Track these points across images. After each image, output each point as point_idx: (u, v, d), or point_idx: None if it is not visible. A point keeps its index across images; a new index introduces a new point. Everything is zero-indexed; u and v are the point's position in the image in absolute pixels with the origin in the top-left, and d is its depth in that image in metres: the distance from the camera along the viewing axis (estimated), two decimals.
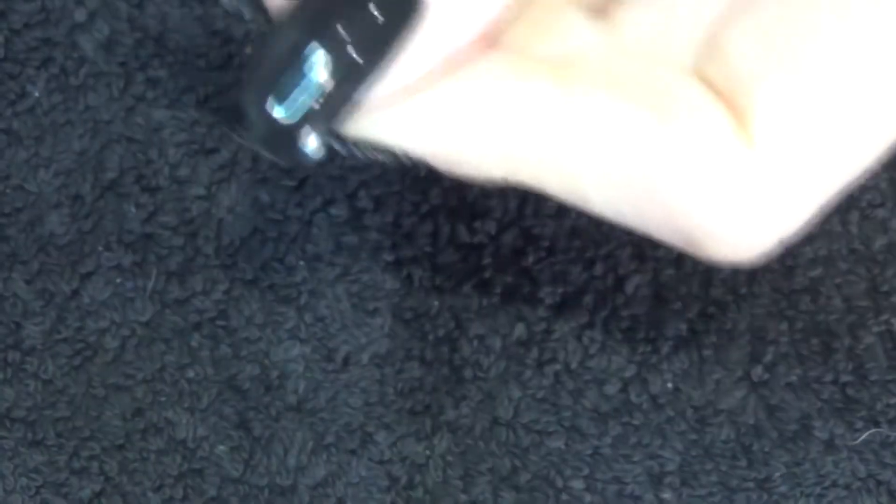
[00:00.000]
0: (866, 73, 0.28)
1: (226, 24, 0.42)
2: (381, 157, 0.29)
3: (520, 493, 0.40)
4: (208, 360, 0.41)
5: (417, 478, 0.41)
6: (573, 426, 0.41)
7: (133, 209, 0.42)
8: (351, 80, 0.27)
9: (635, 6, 0.32)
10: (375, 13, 0.26)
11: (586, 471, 0.40)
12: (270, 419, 0.41)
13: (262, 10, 0.29)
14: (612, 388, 0.41)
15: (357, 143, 0.29)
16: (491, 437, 0.41)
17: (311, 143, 0.27)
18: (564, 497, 0.40)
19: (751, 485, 0.40)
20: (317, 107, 0.27)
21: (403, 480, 0.41)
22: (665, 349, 0.41)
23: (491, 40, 0.29)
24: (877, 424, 0.40)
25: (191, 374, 0.41)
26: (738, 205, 0.28)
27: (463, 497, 0.40)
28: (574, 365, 0.41)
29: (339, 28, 0.26)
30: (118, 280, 0.42)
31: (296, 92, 0.27)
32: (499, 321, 0.41)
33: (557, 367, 0.41)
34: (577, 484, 0.40)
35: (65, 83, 0.42)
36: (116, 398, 0.41)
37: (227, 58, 0.42)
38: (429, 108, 0.28)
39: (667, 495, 0.40)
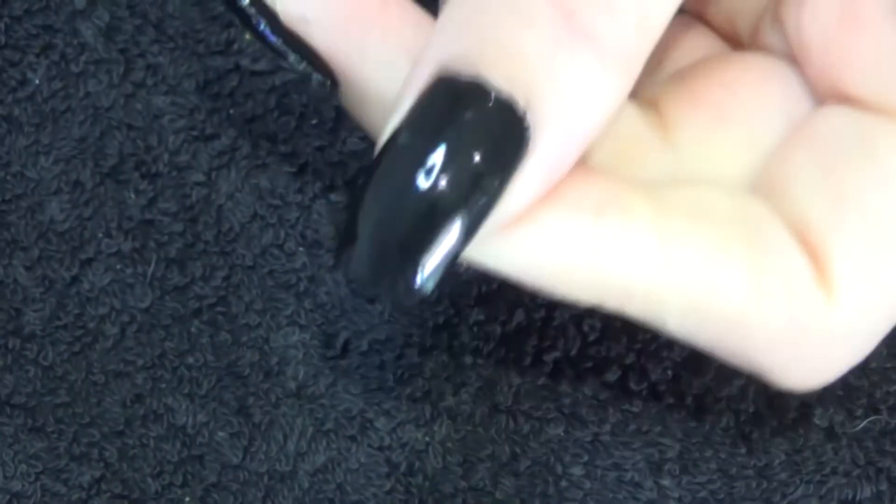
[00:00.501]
0: None
1: (225, 9, 0.42)
2: (467, 271, 0.28)
3: (519, 479, 0.40)
4: (208, 347, 0.41)
5: (417, 464, 0.40)
6: (573, 413, 0.40)
7: (133, 196, 0.42)
8: (459, 214, 0.26)
9: (691, 124, 0.31)
10: (480, 149, 0.25)
11: (586, 458, 0.40)
12: (270, 405, 0.41)
13: (332, 77, 0.28)
14: (611, 376, 0.41)
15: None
16: (490, 424, 0.41)
17: (426, 279, 0.26)
18: (564, 483, 0.40)
19: (750, 472, 0.40)
20: (427, 243, 0.25)
21: (403, 467, 0.40)
22: (664, 336, 0.41)
23: (582, 158, 0.28)
24: (877, 412, 0.40)
25: (190, 360, 0.41)
26: (816, 354, 0.29)
27: (463, 483, 0.40)
28: (574, 352, 0.41)
29: (446, 166, 0.25)
30: (118, 266, 0.42)
31: (404, 227, 0.25)
32: (498, 308, 0.41)
33: (557, 354, 0.41)
34: (577, 470, 0.40)
35: (65, 70, 0.42)
36: (116, 385, 0.41)
37: (227, 43, 0.42)
38: (523, 233, 0.27)
39: (666, 482, 0.40)
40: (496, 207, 0.26)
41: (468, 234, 0.26)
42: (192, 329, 0.41)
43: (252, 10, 0.28)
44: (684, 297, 0.28)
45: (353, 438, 0.41)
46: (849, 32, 0.29)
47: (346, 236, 0.26)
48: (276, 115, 0.42)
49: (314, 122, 0.42)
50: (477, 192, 0.26)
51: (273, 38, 0.28)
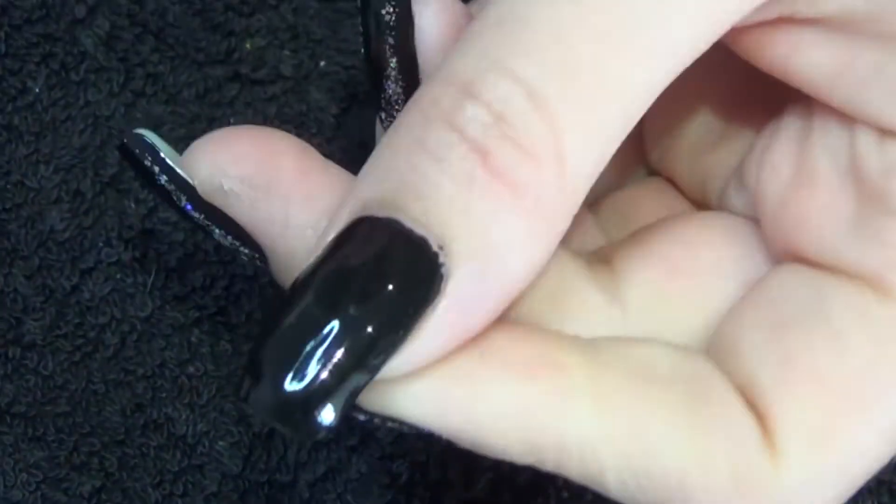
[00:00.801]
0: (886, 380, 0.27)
1: (225, 18, 0.42)
2: (402, 429, 0.28)
3: (519, 491, 0.40)
4: (208, 356, 0.41)
5: (418, 475, 0.40)
6: None
7: (133, 205, 0.42)
8: (366, 355, 0.25)
9: (643, 282, 0.31)
10: (391, 288, 0.25)
11: None
12: None
13: (259, 252, 0.28)
14: None
15: (377, 414, 0.28)
16: None
17: (327, 416, 0.25)
18: (564, 495, 0.40)
19: None
20: (331, 381, 0.25)
21: (404, 477, 0.40)
22: None
23: (518, 314, 0.28)
24: None
25: (191, 369, 0.41)
26: None
27: (463, 495, 0.40)
28: None
29: (355, 305, 0.25)
30: (118, 276, 0.41)
31: (310, 366, 0.25)
32: None
33: None
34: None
35: (65, 79, 0.42)
36: (116, 394, 0.41)
37: (227, 52, 0.42)
38: (451, 391, 0.27)
39: None
40: (407, 349, 0.25)
41: (372, 373, 0.25)
42: (193, 338, 0.41)
43: (172, 187, 0.28)
44: (622, 459, 0.27)
45: (353, 449, 0.41)
46: (802, 191, 0.29)
47: (250, 371, 0.25)
48: (276, 124, 0.42)
49: (313, 130, 0.42)
50: (386, 332, 0.25)
51: (196, 215, 0.28)
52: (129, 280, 0.41)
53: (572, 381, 0.27)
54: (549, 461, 0.28)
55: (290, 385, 0.25)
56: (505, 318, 0.27)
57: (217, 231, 0.28)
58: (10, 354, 0.41)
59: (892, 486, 0.40)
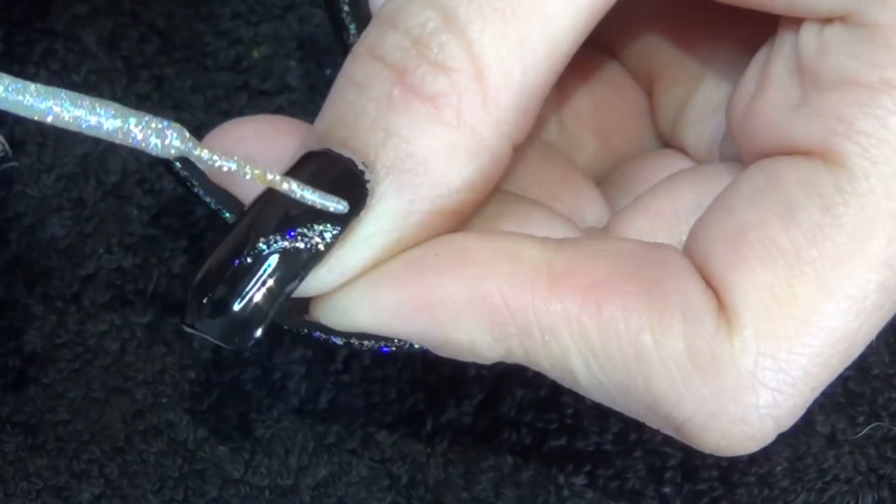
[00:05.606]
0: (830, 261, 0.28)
1: (233, 25, 0.42)
2: (384, 348, 0.30)
3: (521, 489, 0.40)
4: (210, 363, 0.41)
5: (419, 476, 0.40)
6: (575, 424, 0.41)
7: (135, 211, 0.42)
8: (296, 268, 0.28)
9: (628, 230, 0.32)
10: (328, 206, 0.27)
11: (588, 467, 0.40)
12: (272, 420, 0.41)
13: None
14: None
15: (354, 336, 0.30)
16: (493, 436, 0.41)
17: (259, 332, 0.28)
18: (566, 493, 0.40)
19: (752, 479, 0.40)
20: (267, 302, 0.28)
21: (405, 479, 0.40)
22: None
23: (456, 222, 0.29)
24: (878, 418, 0.40)
25: (192, 375, 0.41)
26: (725, 399, 0.28)
27: (465, 494, 0.40)
28: None
29: (287, 232, 0.28)
30: (119, 282, 0.42)
31: (249, 289, 0.28)
32: None
33: None
34: (579, 480, 0.40)
35: (66, 80, 0.42)
36: (116, 401, 0.41)
37: (236, 60, 0.42)
38: (405, 290, 0.29)
39: (668, 490, 0.40)
40: (334, 260, 0.28)
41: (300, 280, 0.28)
42: (194, 345, 0.41)
43: (185, 173, 0.31)
44: (581, 337, 0.28)
45: (354, 452, 0.41)
46: (758, 97, 0.30)
47: (199, 297, 0.28)
48: None
49: None
50: (312, 237, 0.27)
51: (207, 199, 0.32)
52: (130, 287, 0.42)
53: (529, 266, 0.28)
54: (516, 350, 0.29)
55: (234, 309, 0.28)
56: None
57: (226, 213, 0.32)
58: (11, 364, 0.41)
59: (892, 480, 0.40)
